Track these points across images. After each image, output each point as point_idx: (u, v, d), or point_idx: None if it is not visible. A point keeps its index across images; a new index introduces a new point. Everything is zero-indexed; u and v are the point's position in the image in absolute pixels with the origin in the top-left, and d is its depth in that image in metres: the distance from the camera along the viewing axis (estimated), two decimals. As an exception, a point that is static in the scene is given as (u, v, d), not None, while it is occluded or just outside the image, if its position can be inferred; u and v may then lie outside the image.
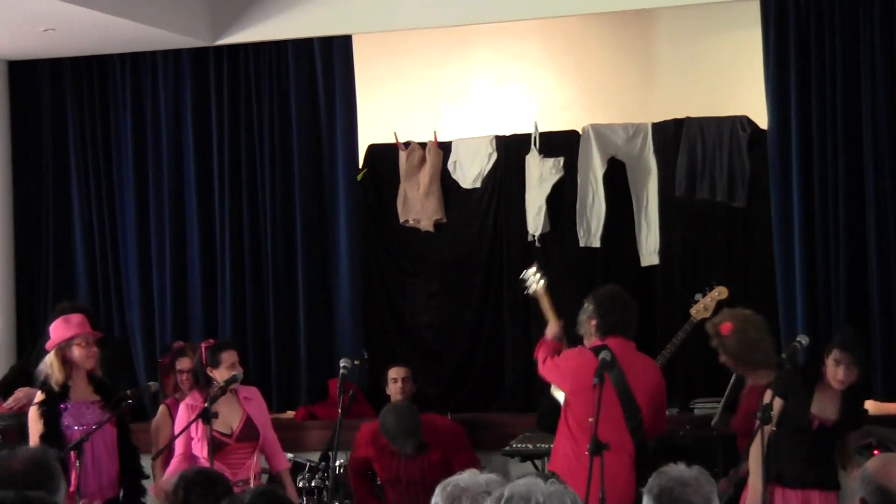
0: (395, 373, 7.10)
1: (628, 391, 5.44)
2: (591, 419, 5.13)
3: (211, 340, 6.39)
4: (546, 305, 6.07)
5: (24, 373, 6.73)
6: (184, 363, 6.61)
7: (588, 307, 5.80)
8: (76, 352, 5.93)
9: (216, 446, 5.77)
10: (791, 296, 7.29)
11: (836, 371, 5.59)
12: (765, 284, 7.51)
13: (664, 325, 7.47)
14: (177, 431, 5.99)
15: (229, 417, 5.98)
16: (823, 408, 5.63)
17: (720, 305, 6.62)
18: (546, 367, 5.75)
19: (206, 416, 5.66)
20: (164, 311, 8.25)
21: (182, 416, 6.04)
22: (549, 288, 7.13)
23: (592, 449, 4.88)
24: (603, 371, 5.17)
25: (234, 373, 5.93)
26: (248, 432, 5.98)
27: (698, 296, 6.65)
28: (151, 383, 6.60)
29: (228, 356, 6.01)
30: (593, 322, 5.70)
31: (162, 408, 6.71)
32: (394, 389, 7.03)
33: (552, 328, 5.91)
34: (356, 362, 6.92)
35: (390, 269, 8.42)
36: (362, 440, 6.43)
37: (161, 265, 8.28)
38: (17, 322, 8.24)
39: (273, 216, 8.17)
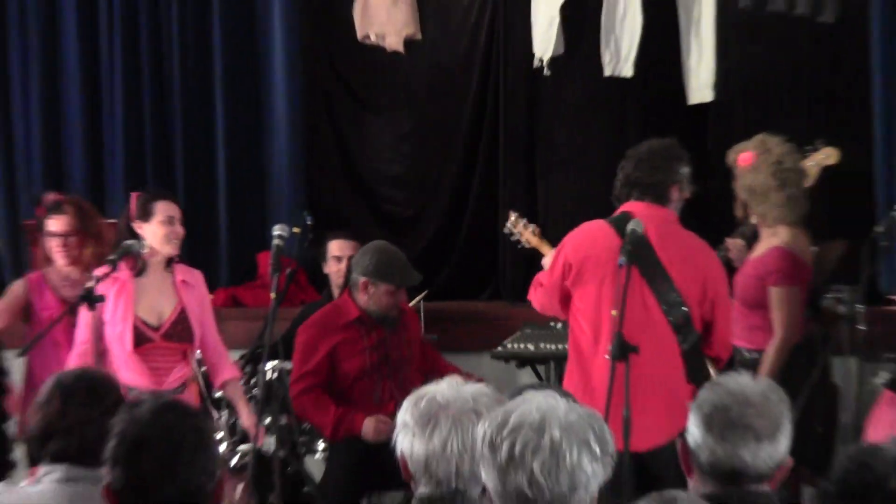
0: (337, 248, 6.80)
1: (665, 277, 5.18)
2: (613, 312, 4.86)
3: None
4: (548, 252, 6.00)
5: None
6: (58, 223, 6.13)
7: (622, 164, 5.53)
8: None
9: (138, 340, 5.63)
10: (891, 144, 7.13)
11: None
12: (857, 127, 7.29)
13: (722, 189, 6.64)
14: (79, 319, 5.63)
15: (159, 303, 5.77)
16: None
17: (827, 174, 6.45)
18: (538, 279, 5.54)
19: (89, 298, 5.29)
20: (29, 155, 8.12)
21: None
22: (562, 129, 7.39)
23: (616, 352, 4.57)
24: (634, 244, 4.88)
25: (165, 232, 5.77)
26: (181, 330, 5.81)
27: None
28: None
29: (164, 208, 5.79)
30: (617, 181, 5.49)
31: (18, 284, 6.30)
32: (335, 270, 6.77)
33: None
34: (295, 230, 6.78)
35: (344, 104, 8.26)
36: (316, 331, 6.18)
37: (25, 91, 8.14)
38: None
39: (182, 33, 8.02)
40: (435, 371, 5.86)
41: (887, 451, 2.84)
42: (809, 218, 6.14)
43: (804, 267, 5.94)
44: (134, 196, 5.90)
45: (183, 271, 5.90)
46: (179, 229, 5.81)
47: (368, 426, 5.87)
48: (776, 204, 5.93)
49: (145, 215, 5.75)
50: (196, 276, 5.98)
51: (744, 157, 6.02)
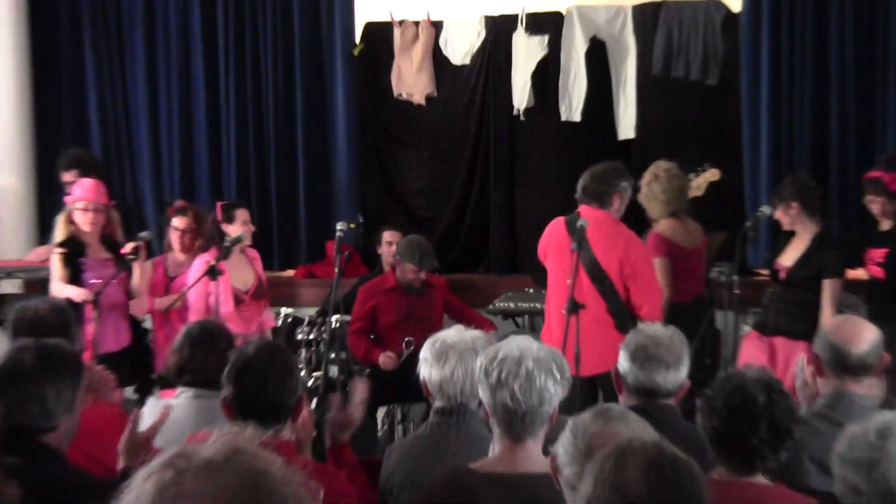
0: (389, 236, 6.74)
1: (593, 258, 4.99)
2: (568, 281, 4.77)
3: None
4: None
5: None
6: (181, 221, 5.98)
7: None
8: (77, 216, 5.66)
9: (236, 301, 5.60)
10: (756, 164, 7.05)
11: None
12: (733, 156, 7.15)
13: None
14: (190, 293, 5.58)
15: (244, 276, 5.74)
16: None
17: (713, 187, 6.39)
18: None
19: (213, 272, 5.24)
20: (172, 174, 7.97)
21: (199, 272, 5.55)
22: (533, 157, 7.43)
23: (569, 308, 4.55)
24: (580, 236, 4.81)
25: (245, 230, 5.70)
26: (260, 291, 5.80)
27: (691, 175, 6.18)
28: (144, 233, 5.86)
29: (242, 213, 5.73)
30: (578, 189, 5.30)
31: (148, 264, 6.06)
32: (387, 251, 6.66)
33: None
34: (352, 225, 6.84)
35: (384, 139, 8.04)
36: (366, 294, 6.13)
37: (169, 131, 7.90)
38: (37, 186, 7.82)
39: (275, 88, 7.79)
40: (462, 318, 5.79)
41: (749, 374, 2.77)
42: (700, 217, 6.04)
43: (673, 245, 5.72)
44: (219, 205, 5.82)
45: (252, 252, 5.90)
46: (252, 227, 5.82)
47: (380, 360, 5.86)
48: (654, 204, 5.77)
49: (228, 219, 5.70)
50: (256, 254, 5.96)
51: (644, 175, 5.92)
